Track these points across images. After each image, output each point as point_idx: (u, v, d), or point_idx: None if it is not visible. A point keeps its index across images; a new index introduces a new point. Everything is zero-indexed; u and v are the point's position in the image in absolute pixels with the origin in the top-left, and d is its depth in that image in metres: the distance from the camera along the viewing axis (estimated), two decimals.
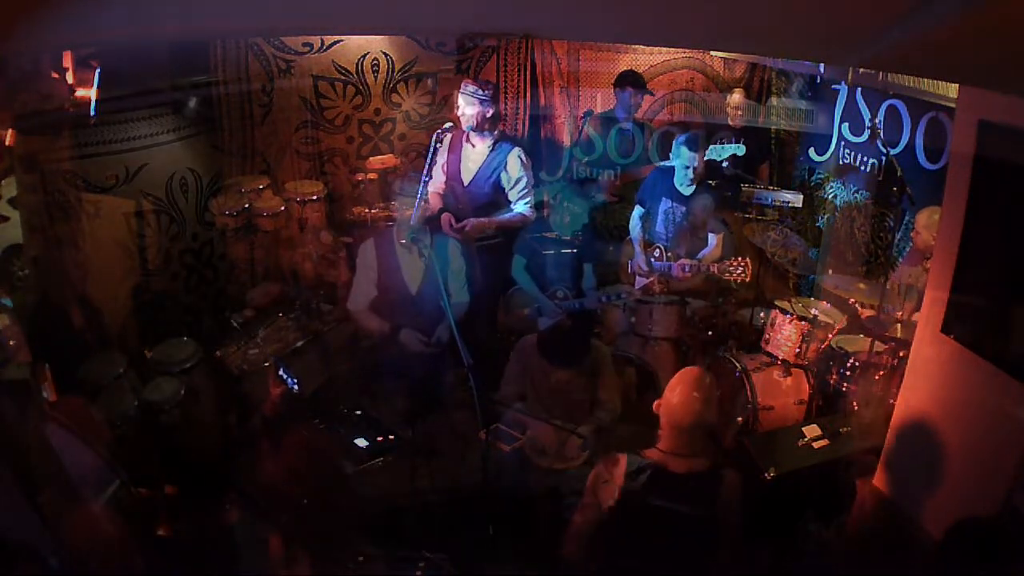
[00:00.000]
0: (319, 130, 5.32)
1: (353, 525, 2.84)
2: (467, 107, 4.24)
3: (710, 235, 4.54)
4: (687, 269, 4.33)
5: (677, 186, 4.50)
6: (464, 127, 4.32)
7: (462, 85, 4.28)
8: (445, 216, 4.39)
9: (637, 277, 4.56)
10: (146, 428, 3.85)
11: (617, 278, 4.93)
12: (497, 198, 4.47)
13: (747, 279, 4.20)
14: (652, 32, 3.55)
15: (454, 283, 3.97)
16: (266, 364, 4.32)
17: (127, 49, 3.63)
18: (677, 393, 2.55)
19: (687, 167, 4.39)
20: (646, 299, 4.43)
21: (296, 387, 3.09)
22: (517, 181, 4.41)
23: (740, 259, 4.18)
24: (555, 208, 4.46)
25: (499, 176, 4.42)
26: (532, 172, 4.52)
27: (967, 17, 1.61)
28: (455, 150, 4.42)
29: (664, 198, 4.58)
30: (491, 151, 4.40)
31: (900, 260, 4.43)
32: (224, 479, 3.85)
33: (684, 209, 4.54)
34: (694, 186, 4.47)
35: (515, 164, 4.39)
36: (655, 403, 2.63)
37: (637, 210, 4.74)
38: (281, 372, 3.11)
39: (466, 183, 4.45)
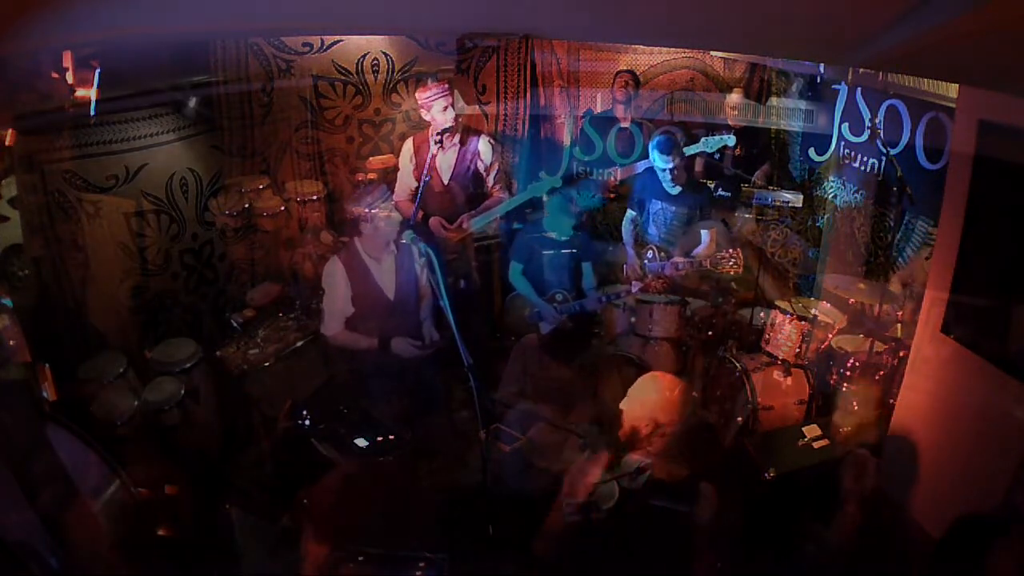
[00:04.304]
0: (319, 130, 5.32)
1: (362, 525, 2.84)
2: (439, 111, 4.25)
3: (703, 232, 4.53)
4: (680, 267, 4.33)
5: (664, 187, 4.51)
6: (440, 129, 4.30)
7: (422, 96, 4.29)
8: (435, 220, 4.40)
9: (633, 280, 4.56)
10: (146, 428, 3.85)
11: (617, 278, 4.94)
12: (477, 189, 4.50)
13: (739, 270, 4.19)
14: (652, 32, 3.55)
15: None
16: (266, 364, 4.32)
17: (127, 49, 3.63)
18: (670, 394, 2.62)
19: (663, 170, 4.40)
20: (646, 299, 4.43)
21: (307, 424, 3.12)
22: (491, 166, 4.48)
23: (732, 251, 4.17)
24: (548, 212, 4.46)
25: (476, 165, 4.45)
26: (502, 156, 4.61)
27: (967, 17, 1.61)
28: (424, 154, 4.38)
29: (654, 199, 4.59)
30: (461, 145, 4.43)
31: (899, 260, 4.43)
32: (224, 479, 3.86)
33: (674, 209, 4.55)
34: (679, 187, 4.47)
35: (487, 149, 4.45)
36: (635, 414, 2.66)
37: (628, 214, 4.75)
38: (303, 412, 3.13)
39: (445, 181, 4.46)
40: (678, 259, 4.36)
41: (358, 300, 3.71)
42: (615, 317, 4.78)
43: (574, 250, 4.42)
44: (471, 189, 4.49)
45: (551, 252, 4.40)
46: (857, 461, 2.97)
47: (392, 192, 4.19)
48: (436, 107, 4.25)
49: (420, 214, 4.36)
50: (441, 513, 3.43)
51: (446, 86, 4.29)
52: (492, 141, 4.51)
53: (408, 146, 4.52)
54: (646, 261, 4.50)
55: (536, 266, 4.44)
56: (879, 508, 3.12)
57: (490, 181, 4.51)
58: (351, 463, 3.13)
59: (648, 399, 2.66)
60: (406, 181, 4.48)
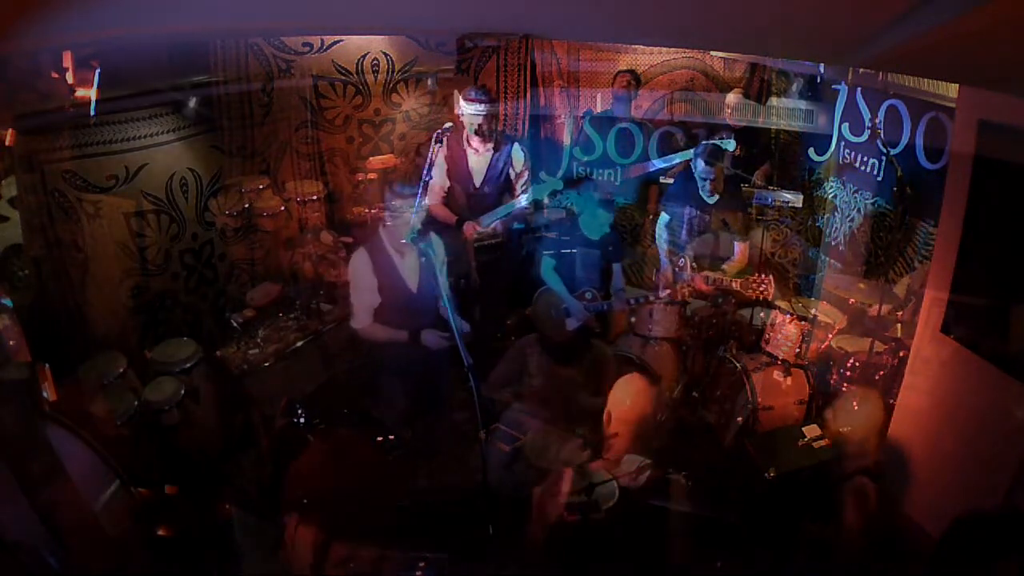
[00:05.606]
0: (319, 130, 5.32)
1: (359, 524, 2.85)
2: (476, 116, 4.26)
3: (735, 244, 4.53)
4: (710, 282, 4.32)
5: (701, 194, 4.50)
6: (471, 134, 4.33)
7: (464, 98, 4.28)
8: (469, 224, 4.41)
9: (662, 287, 4.54)
10: (146, 428, 3.85)
11: (639, 281, 4.93)
12: (505, 194, 4.55)
13: (769, 296, 4.19)
14: (652, 32, 3.56)
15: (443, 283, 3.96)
16: (266, 364, 4.32)
17: (127, 49, 3.63)
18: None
19: (704, 180, 4.39)
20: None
21: (302, 421, 3.13)
22: (521, 174, 4.52)
23: (763, 276, 4.16)
24: (582, 213, 4.46)
25: (508, 171, 4.49)
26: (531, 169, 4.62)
27: (967, 17, 1.61)
28: (457, 155, 4.43)
29: (688, 206, 4.57)
30: (495, 151, 4.45)
31: (901, 260, 4.43)
32: (224, 479, 3.86)
33: (708, 217, 4.53)
34: (717, 195, 4.46)
35: (519, 157, 4.49)
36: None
37: (663, 218, 4.72)
38: (298, 410, 3.13)
39: (477, 185, 4.49)
40: (708, 274, 4.34)
41: (383, 291, 3.72)
42: (617, 317, 4.78)
43: (605, 249, 4.41)
44: (499, 193, 4.54)
45: (584, 250, 4.40)
46: (857, 490, 2.92)
47: (427, 184, 4.18)
48: (472, 117, 4.26)
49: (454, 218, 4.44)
50: (441, 513, 3.44)
51: (486, 96, 4.27)
52: (523, 149, 4.53)
53: (445, 142, 4.48)
54: (676, 270, 4.48)
55: (568, 263, 4.44)
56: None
57: (518, 187, 4.55)
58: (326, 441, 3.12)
59: (627, 400, 2.63)
60: (438, 181, 4.50)
